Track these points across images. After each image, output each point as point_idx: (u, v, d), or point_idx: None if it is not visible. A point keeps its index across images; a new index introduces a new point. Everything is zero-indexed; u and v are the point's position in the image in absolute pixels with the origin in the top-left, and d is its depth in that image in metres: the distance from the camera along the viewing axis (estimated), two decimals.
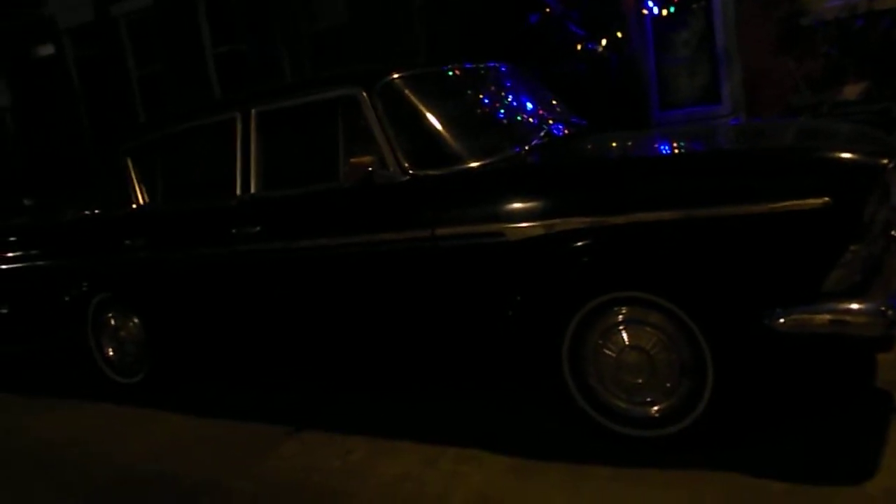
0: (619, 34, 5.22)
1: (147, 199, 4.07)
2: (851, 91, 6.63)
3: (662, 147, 3.25)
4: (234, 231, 3.51)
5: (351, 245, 3.14)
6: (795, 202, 2.34)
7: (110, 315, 4.35)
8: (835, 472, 2.43)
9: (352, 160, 3.05)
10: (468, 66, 3.73)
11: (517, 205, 2.79)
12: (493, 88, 3.68)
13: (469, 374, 3.52)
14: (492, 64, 3.83)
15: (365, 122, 3.17)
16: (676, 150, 3.18)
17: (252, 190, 3.54)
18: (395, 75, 3.27)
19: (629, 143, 3.44)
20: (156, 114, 11.00)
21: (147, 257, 3.95)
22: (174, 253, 3.85)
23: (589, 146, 3.34)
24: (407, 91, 3.23)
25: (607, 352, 2.71)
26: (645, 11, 5.52)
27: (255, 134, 3.55)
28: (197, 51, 10.70)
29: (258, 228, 3.43)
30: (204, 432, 3.62)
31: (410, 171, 3.05)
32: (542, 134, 3.38)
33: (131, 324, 4.26)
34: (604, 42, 5.43)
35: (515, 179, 2.94)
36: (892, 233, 2.66)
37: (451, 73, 3.60)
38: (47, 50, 12.58)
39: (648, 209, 2.53)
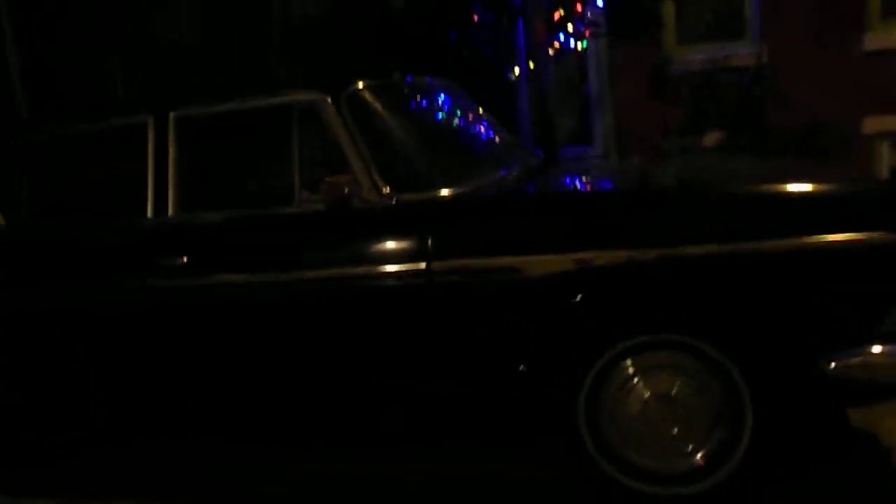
0: (531, 65, 5.11)
1: (3, 221, 3.20)
2: (710, 139, 7.04)
3: (671, 181, 3.04)
4: (151, 261, 2.80)
5: (321, 280, 2.59)
6: (855, 235, 2.20)
7: None
8: None
9: (328, 179, 2.53)
10: (409, 78, 3.32)
11: (534, 235, 2.44)
12: (451, 105, 3.30)
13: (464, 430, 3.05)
14: (430, 79, 3.45)
15: (330, 136, 2.67)
16: (703, 185, 2.92)
17: (170, 212, 2.86)
18: (363, 83, 2.81)
19: (630, 176, 3.22)
20: None
21: (3, 295, 3.08)
22: (48, 288, 3.01)
23: (590, 174, 3.08)
24: (379, 102, 2.78)
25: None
26: (557, 45, 5.46)
27: (174, 143, 2.89)
28: None
29: (184, 259, 2.76)
30: None
31: (387, 194, 2.60)
32: (522, 158, 3.06)
33: None
34: (517, 70, 5.29)
35: (526, 207, 2.61)
36: None
37: (410, 86, 3.18)
38: None
39: (692, 243, 2.29)
